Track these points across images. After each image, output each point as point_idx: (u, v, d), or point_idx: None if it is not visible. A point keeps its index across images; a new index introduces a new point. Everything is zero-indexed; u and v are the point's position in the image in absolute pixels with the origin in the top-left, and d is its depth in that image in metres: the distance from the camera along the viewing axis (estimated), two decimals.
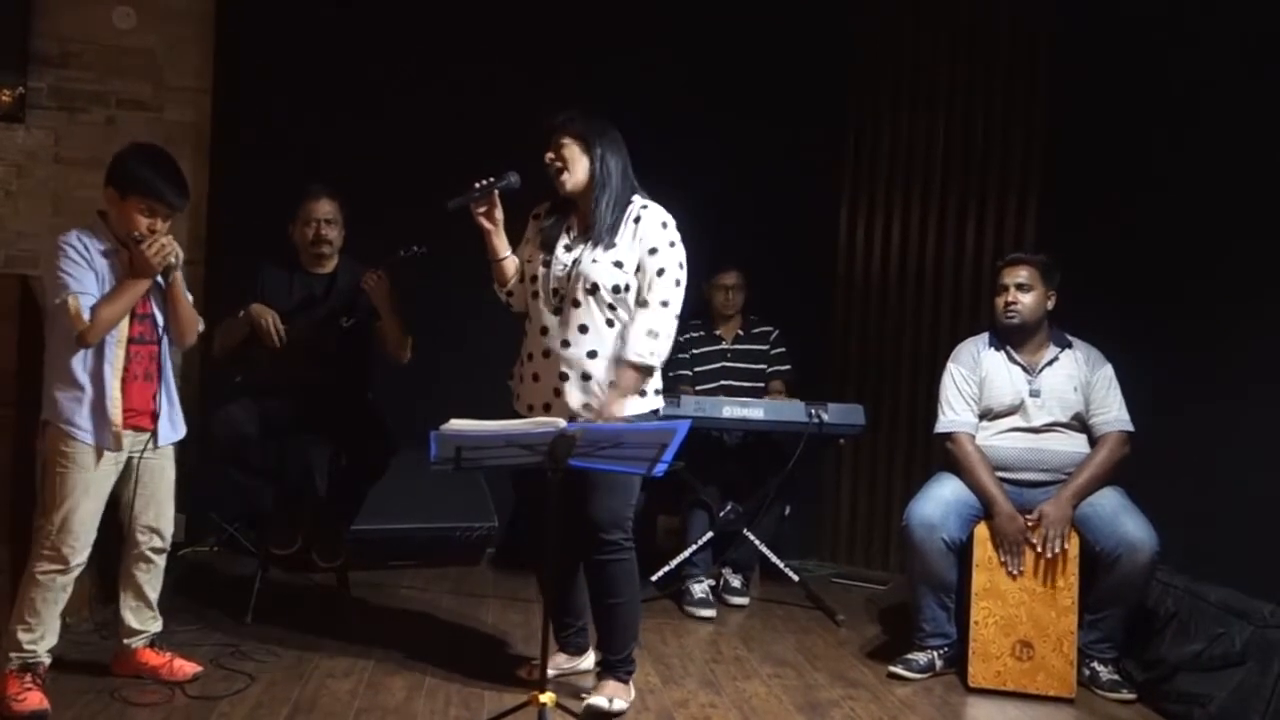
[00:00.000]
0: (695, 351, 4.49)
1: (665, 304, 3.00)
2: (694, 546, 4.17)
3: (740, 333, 4.56)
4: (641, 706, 3.12)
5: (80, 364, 2.86)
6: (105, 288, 2.86)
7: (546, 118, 3.08)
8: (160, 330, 3.00)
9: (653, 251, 3.00)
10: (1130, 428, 3.51)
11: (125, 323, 2.91)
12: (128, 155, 2.93)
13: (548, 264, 3.07)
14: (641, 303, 3.01)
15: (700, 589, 4.15)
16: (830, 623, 4.07)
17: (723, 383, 4.46)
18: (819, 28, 4.99)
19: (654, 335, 2.98)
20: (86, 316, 2.79)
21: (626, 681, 3.11)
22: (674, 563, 4.17)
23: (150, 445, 2.99)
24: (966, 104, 4.79)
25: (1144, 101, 4.14)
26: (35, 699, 2.81)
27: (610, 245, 3.01)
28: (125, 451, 2.96)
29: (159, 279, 2.95)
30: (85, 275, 2.83)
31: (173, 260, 2.89)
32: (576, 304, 3.01)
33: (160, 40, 4.71)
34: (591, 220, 3.03)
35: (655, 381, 3.10)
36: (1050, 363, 3.59)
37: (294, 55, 4.64)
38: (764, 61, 4.94)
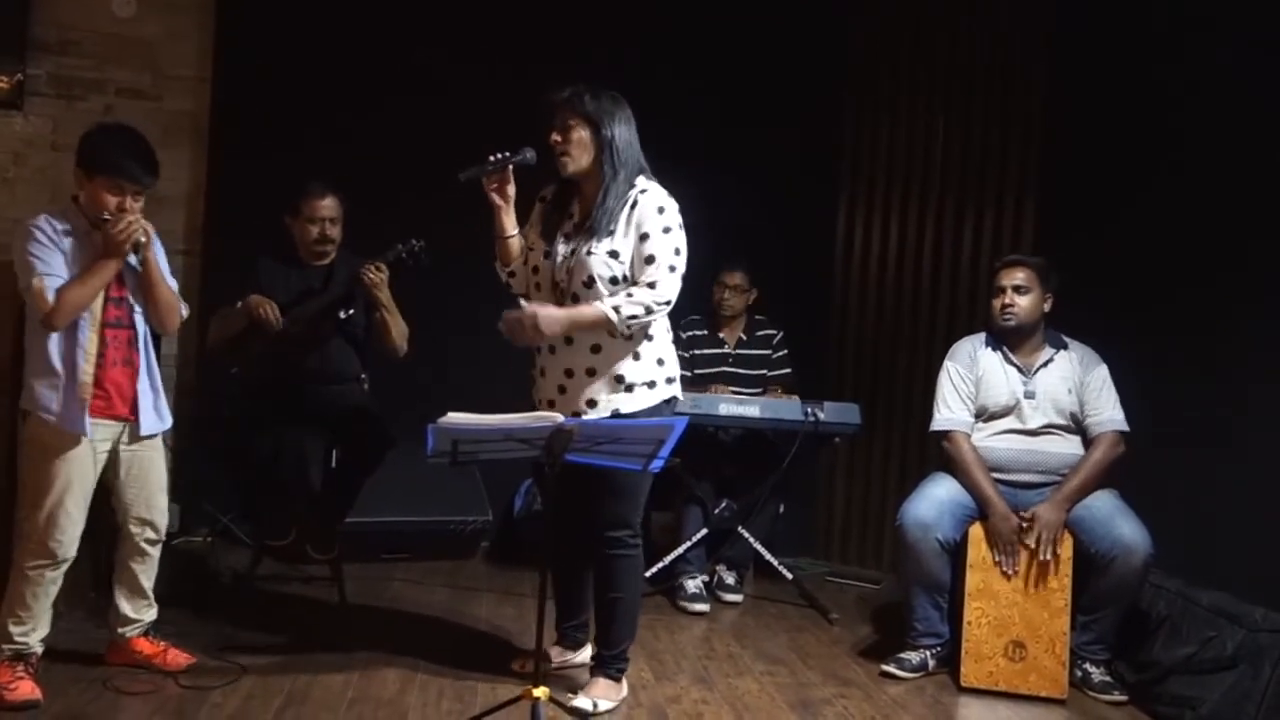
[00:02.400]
0: (696, 352, 4.49)
1: (653, 285, 2.90)
2: (688, 543, 4.17)
3: (743, 336, 4.56)
4: (634, 702, 3.12)
5: (54, 349, 2.82)
6: (76, 271, 2.82)
7: (552, 93, 2.98)
8: (136, 315, 2.96)
9: (644, 237, 2.92)
10: (1125, 427, 3.51)
11: (99, 306, 2.87)
12: (94, 134, 2.91)
13: (548, 255, 3.03)
14: (634, 280, 2.94)
15: (694, 584, 4.15)
16: (823, 621, 4.07)
17: (721, 385, 4.45)
18: (818, 28, 4.99)
19: (630, 297, 2.88)
20: (50, 298, 2.75)
21: (618, 679, 3.11)
22: (668, 559, 4.17)
23: (128, 435, 2.95)
24: (965, 105, 4.80)
25: (1143, 103, 4.14)
26: (27, 688, 2.81)
27: (607, 235, 2.94)
28: (107, 441, 2.93)
29: (133, 261, 2.91)
30: (53, 258, 2.79)
31: (142, 238, 2.85)
32: (576, 298, 2.97)
33: (160, 28, 4.69)
34: (592, 209, 2.96)
35: (669, 370, 3.05)
36: (1045, 364, 3.60)
37: (294, 45, 4.63)
38: (763, 61, 4.94)
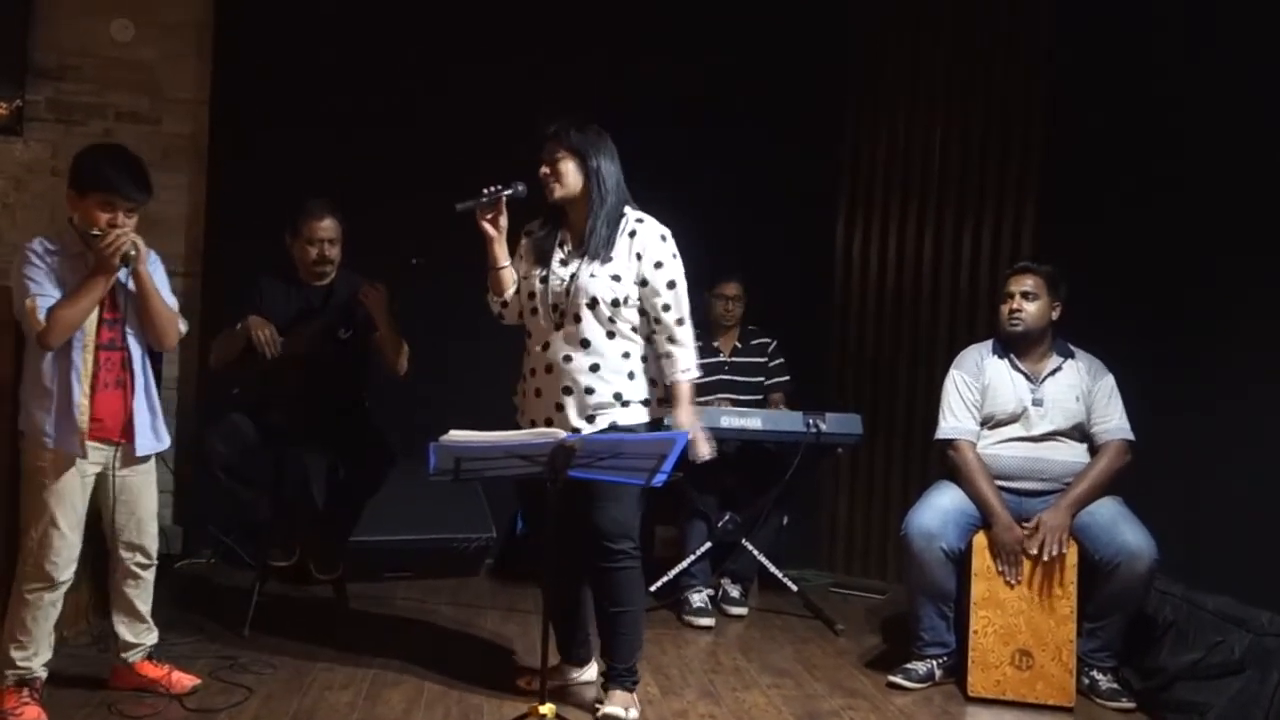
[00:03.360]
0: None
1: (683, 319, 3.07)
2: (692, 557, 4.16)
3: (738, 344, 4.57)
4: (641, 717, 3.11)
5: (48, 370, 2.82)
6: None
7: (541, 126, 3.09)
8: (129, 337, 2.94)
9: (658, 265, 3.04)
10: (1131, 437, 3.51)
11: (92, 327, 2.86)
12: (85, 155, 2.93)
13: (545, 279, 3.09)
14: (677, 320, 3.05)
15: (699, 598, 4.15)
16: (829, 632, 4.07)
17: (720, 395, 4.47)
18: (817, 29, 5.00)
19: (688, 349, 3.07)
20: (42, 317, 2.76)
21: (632, 690, 3.11)
22: (672, 573, 4.16)
23: (120, 458, 2.93)
24: (965, 108, 4.80)
25: (1143, 105, 4.15)
26: (33, 713, 2.80)
27: (607, 259, 3.03)
28: (97, 465, 2.90)
29: (123, 278, 2.88)
30: (45, 278, 2.80)
31: (131, 252, 2.82)
32: (577, 319, 3.03)
33: (158, 52, 4.70)
34: (585, 234, 3.05)
35: (659, 391, 3.12)
36: (1053, 372, 3.60)
37: (291, 66, 4.65)
38: (761, 63, 4.95)
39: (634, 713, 3.05)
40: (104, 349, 2.90)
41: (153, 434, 3.01)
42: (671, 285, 3.05)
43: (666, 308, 3.05)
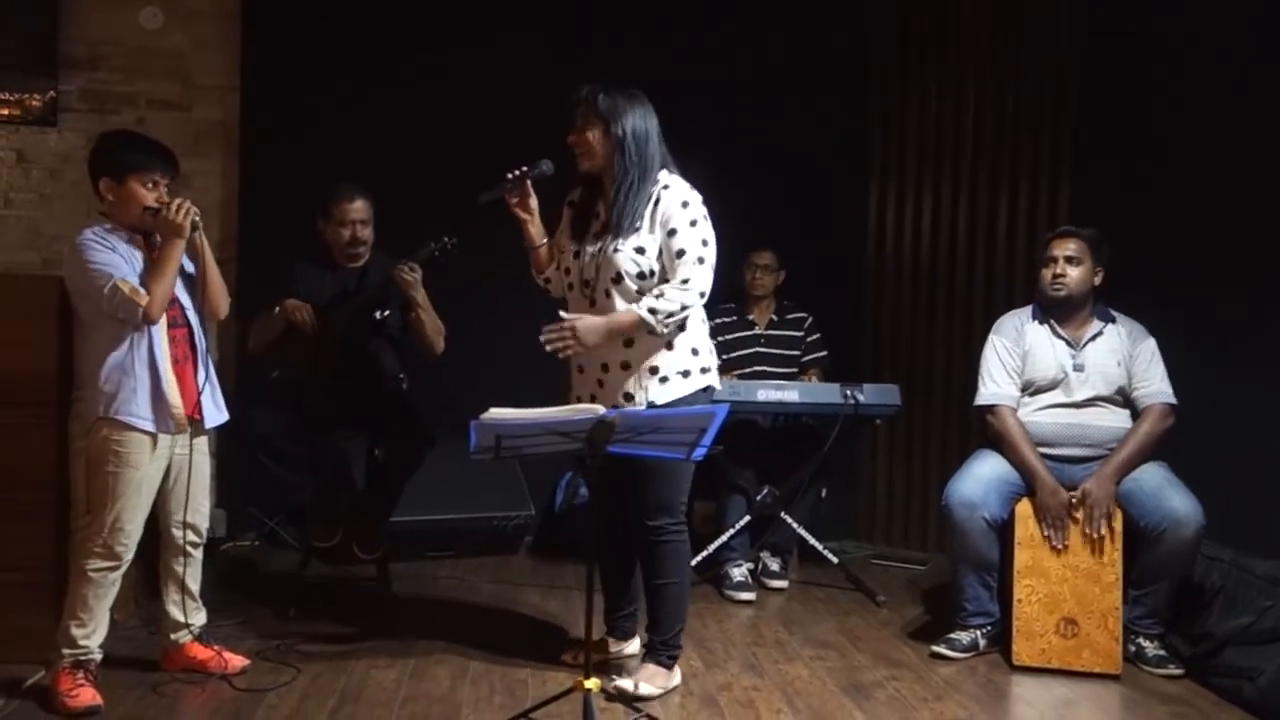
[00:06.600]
0: (728, 337, 4.48)
1: (686, 281, 2.93)
2: (732, 531, 4.16)
3: (774, 318, 4.55)
4: (685, 691, 3.12)
5: (131, 353, 2.86)
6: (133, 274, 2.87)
7: (572, 92, 3.03)
8: (188, 313, 3.00)
9: (671, 233, 2.95)
10: (1173, 400, 3.46)
11: None
12: (106, 145, 2.99)
13: (577, 255, 3.08)
14: (681, 280, 2.94)
15: (739, 573, 4.15)
16: (871, 604, 4.06)
17: (757, 368, 4.45)
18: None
19: (659, 296, 2.91)
20: (143, 293, 2.81)
21: (670, 666, 3.12)
22: (712, 547, 4.17)
23: (191, 433, 2.99)
24: (996, 77, 4.73)
25: (1179, 70, 4.07)
26: (88, 695, 2.85)
27: (632, 231, 2.97)
28: (175, 441, 2.96)
29: (187, 263, 2.96)
30: (117, 260, 2.84)
31: (195, 219, 2.89)
32: (607, 294, 3.01)
33: (187, 39, 4.74)
34: (612, 206, 3.01)
35: (704, 360, 3.07)
36: (1094, 337, 3.55)
37: (320, 50, 4.66)
38: (789, 38, 4.89)
39: (646, 689, 3.02)
40: (171, 327, 2.96)
41: (215, 406, 3.07)
42: (680, 254, 2.93)
43: (672, 269, 2.95)
